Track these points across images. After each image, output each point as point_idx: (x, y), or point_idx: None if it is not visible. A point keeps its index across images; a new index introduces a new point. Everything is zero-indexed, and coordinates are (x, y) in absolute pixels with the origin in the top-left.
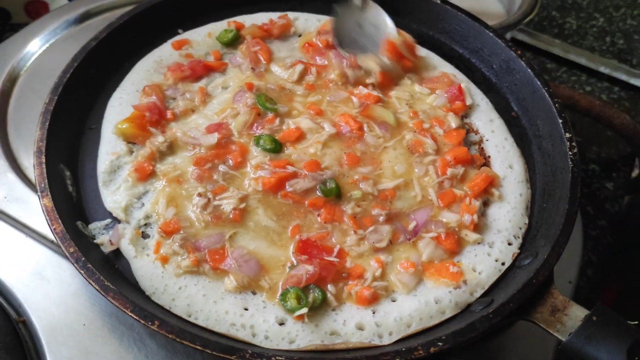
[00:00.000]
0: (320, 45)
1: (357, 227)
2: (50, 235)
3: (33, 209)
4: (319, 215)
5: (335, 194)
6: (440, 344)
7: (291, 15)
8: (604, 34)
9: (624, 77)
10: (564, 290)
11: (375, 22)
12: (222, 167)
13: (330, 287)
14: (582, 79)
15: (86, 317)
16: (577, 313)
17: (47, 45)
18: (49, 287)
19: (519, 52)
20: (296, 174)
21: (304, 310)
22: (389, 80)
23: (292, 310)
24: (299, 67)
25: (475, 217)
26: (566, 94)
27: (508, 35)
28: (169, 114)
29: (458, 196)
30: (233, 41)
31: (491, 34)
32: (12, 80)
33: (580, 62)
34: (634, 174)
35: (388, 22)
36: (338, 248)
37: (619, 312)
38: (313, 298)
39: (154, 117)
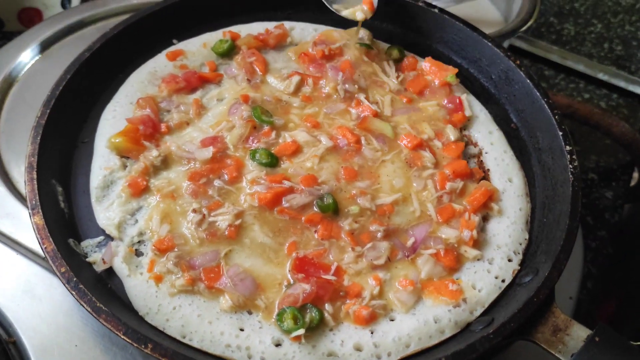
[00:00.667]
0: (317, 56)
1: (355, 243)
2: (42, 252)
3: (24, 224)
4: (315, 231)
5: (332, 210)
6: None
7: (287, 24)
8: (602, 40)
9: (622, 83)
10: (565, 306)
11: None
12: (217, 182)
13: (327, 307)
14: (580, 86)
15: (78, 338)
16: (579, 333)
17: (41, 55)
18: (40, 306)
19: (517, 62)
20: (292, 189)
21: (301, 331)
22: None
23: (289, 331)
24: (295, 79)
25: (474, 232)
26: (565, 102)
27: (506, 43)
28: (163, 127)
29: (457, 211)
30: (228, 52)
31: (490, 44)
32: (4, 90)
33: (578, 69)
34: (633, 182)
35: None
36: (335, 266)
37: (619, 322)
38: (310, 318)
39: (148, 130)
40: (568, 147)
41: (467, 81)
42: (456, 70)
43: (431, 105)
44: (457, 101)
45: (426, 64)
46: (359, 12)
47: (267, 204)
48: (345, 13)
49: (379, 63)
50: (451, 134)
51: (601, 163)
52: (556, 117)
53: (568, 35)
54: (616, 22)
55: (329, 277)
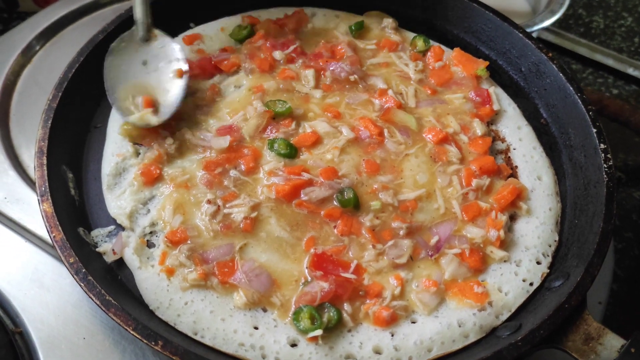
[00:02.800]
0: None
1: (376, 240)
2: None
3: (34, 210)
4: (335, 227)
5: (353, 205)
6: None
7: (308, 10)
8: (633, 35)
9: None
10: (593, 312)
11: (164, 55)
12: (233, 173)
13: (346, 306)
14: (609, 81)
15: (87, 330)
16: (613, 342)
17: (55, 36)
18: (48, 296)
19: (550, 54)
20: (312, 181)
21: (319, 332)
22: None
23: (306, 331)
24: (310, 72)
25: (501, 232)
26: (594, 97)
27: (534, 35)
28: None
29: (483, 209)
30: (247, 38)
31: (520, 35)
32: (16, 72)
33: (607, 64)
34: None
35: (178, 53)
36: (355, 264)
37: None
38: (328, 318)
39: None
40: (602, 145)
41: (495, 73)
42: (487, 63)
43: (457, 97)
44: (485, 94)
45: (453, 54)
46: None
47: (285, 197)
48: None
49: (397, 52)
50: (478, 128)
51: (629, 161)
52: (590, 113)
53: (597, 28)
54: None
55: (348, 275)
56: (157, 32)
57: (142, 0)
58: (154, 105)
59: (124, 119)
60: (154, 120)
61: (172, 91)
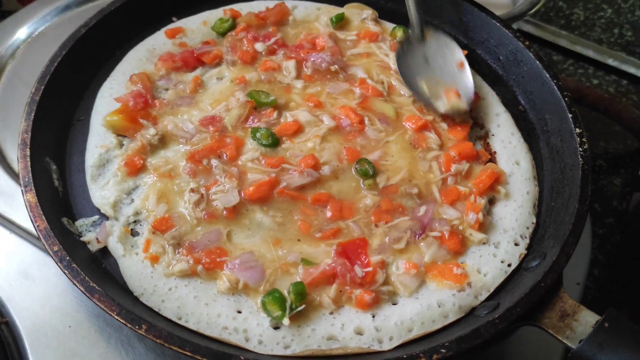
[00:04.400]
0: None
1: (377, 220)
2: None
3: (18, 203)
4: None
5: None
6: (444, 350)
7: (289, 3)
8: (612, 26)
9: (632, 70)
10: (572, 293)
11: (441, 52)
12: (214, 161)
13: (332, 289)
14: (589, 72)
15: (72, 319)
16: (588, 319)
17: (37, 32)
18: (33, 287)
19: (527, 42)
20: (277, 180)
21: (286, 321)
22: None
23: (279, 318)
24: (292, 63)
25: (480, 215)
26: (574, 86)
27: (514, 27)
28: (158, 104)
29: (462, 193)
30: (229, 31)
31: (498, 24)
32: None
33: (587, 55)
34: None
35: (456, 50)
36: (379, 258)
37: (627, 310)
38: (291, 299)
39: (139, 105)
40: (578, 130)
41: (475, 63)
42: (465, 52)
43: None
44: None
45: None
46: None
47: (260, 197)
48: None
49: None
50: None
51: (610, 150)
52: (566, 99)
53: (577, 20)
54: (627, 7)
55: (366, 270)
56: (429, 29)
57: (414, 2)
58: (457, 94)
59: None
60: (464, 106)
61: (462, 80)
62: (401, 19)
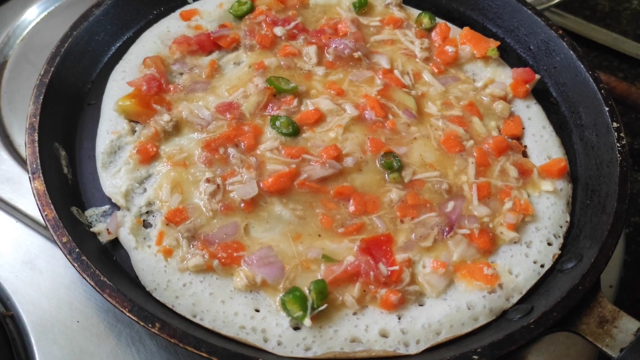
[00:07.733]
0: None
1: (403, 215)
2: (43, 221)
3: (25, 190)
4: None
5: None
6: (476, 357)
7: None
8: (638, 17)
9: None
10: (605, 296)
11: None
12: (232, 151)
13: (354, 289)
14: (614, 65)
15: (80, 313)
16: (629, 325)
17: (47, 12)
18: (40, 279)
19: (560, 31)
20: (298, 171)
21: (307, 322)
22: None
23: (300, 318)
24: (313, 49)
25: (520, 216)
26: (602, 80)
27: None
28: (172, 89)
29: (500, 189)
30: (247, 14)
31: (529, 12)
32: (7, 49)
33: (612, 47)
34: None
35: None
36: (406, 256)
37: None
38: (312, 298)
39: (152, 90)
40: (615, 124)
41: (503, 52)
42: (498, 43)
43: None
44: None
45: (463, 33)
46: None
47: (279, 189)
48: None
49: (402, 30)
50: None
51: (635, 145)
52: (602, 91)
53: (602, 11)
54: None
55: (391, 268)
56: None
57: None
58: None
59: None
60: None
61: None
62: (426, 4)
